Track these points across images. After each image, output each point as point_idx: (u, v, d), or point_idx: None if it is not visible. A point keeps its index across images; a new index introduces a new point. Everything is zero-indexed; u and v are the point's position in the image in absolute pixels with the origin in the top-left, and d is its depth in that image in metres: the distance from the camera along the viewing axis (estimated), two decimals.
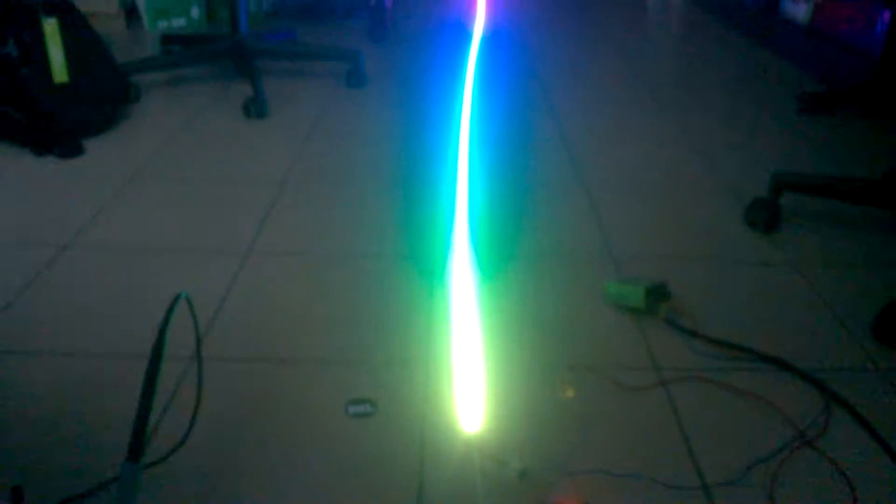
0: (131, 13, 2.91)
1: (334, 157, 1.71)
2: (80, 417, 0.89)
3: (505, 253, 1.31)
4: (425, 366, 1.01)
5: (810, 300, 1.19)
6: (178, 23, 2.92)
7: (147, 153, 1.71)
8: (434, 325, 1.10)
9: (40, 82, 1.74)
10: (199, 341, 0.68)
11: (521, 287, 1.21)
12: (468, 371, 0.99)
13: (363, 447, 0.86)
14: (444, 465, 0.84)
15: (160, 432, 0.87)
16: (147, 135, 1.83)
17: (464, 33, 2.91)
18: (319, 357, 1.02)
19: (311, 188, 1.55)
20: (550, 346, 1.06)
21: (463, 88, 2.21)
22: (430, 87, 2.24)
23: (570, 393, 0.95)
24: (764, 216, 1.40)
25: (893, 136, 1.95)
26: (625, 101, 2.18)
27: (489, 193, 1.53)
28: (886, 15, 2.22)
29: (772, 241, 1.37)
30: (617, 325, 1.11)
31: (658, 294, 1.13)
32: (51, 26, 1.74)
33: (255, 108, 1.94)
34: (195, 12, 2.95)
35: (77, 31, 1.80)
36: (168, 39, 2.48)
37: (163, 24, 2.89)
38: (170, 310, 0.60)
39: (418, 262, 1.27)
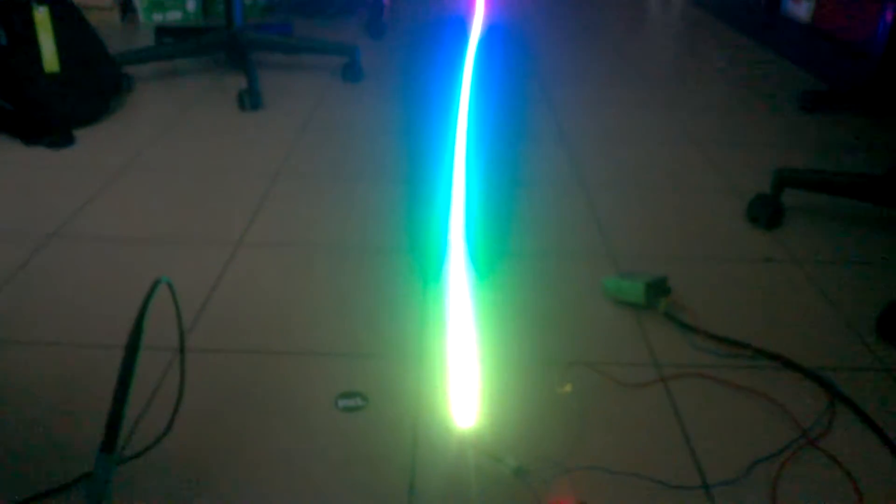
0: (126, 6, 2.88)
1: (329, 149, 1.68)
2: (62, 408, 0.86)
3: (501, 249, 1.28)
4: (419, 359, 0.98)
5: (813, 297, 1.17)
6: (174, 16, 2.89)
7: (139, 144, 1.68)
8: (428, 318, 1.07)
9: (30, 71, 1.71)
10: (181, 329, 0.66)
11: (518, 282, 1.18)
12: (463, 365, 0.97)
13: (353, 442, 0.84)
14: (437, 461, 0.82)
15: (144, 424, 0.84)
16: (139, 126, 1.80)
17: (462, 30, 2.88)
18: (309, 349, 0.99)
19: (304, 180, 1.52)
20: (547, 340, 1.03)
21: (461, 85, 2.18)
22: (428, 82, 2.22)
23: (567, 388, 0.93)
24: (766, 212, 1.37)
25: (894, 134, 1.93)
26: (624, 99, 2.15)
27: (486, 189, 1.51)
28: (888, 15, 2.20)
29: (774, 237, 1.35)
30: (616, 320, 1.09)
31: (658, 289, 1.10)
32: (42, 14, 1.71)
33: (250, 101, 1.91)
34: (191, 5, 2.91)
35: (69, 20, 1.77)
36: (162, 31, 2.45)
37: (158, 17, 2.85)
38: (148, 296, 0.57)
39: (413, 255, 1.24)
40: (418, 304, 1.10)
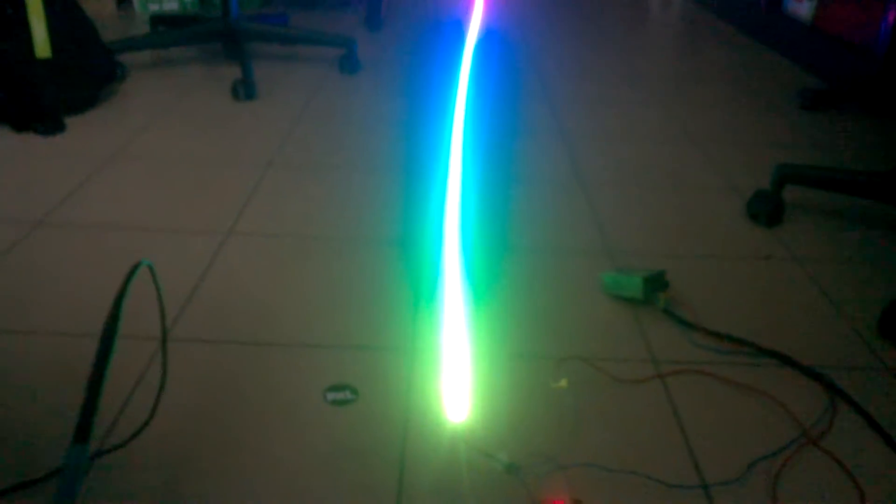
0: None
1: (323, 140, 1.66)
2: (43, 399, 0.84)
3: (497, 243, 1.25)
4: (410, 352, 0.95)
5: (813, 295, 1.14)
6: (171, 6, 2.86)
7: (131, 132, 1.65)
8: (421, 311, 1.04)
9: (22, 57, 1.68)
10: (163, 314, 0.63)
11: (513, 277, 1.15)
12: (455, 358, 0.94)
13: (341, 437, 0.81)
14: (428, 457, 0.79)
15: (127, 416, 0.82)
16: (132, 114, 1.77)
17: (461, 24, 2.86)
18: (298, 341, 0.97)
19: (297, 171, 1.49)
20: (543, 334, 1.01)
21: (458, 79, 2.15)
22: (426, 76, 2.19)
23: (562, 384, 0.90)
24: (766, 209, 1.35)
25: (895, 133, 1.91)
26: (623, 97, 2.13)
27: (482, 183, 1.48)
28: (891, 16, 2.18)
29: (774, 234, 1.33)
30: (613, 315, 1.06)
31: (656, 284, 1.08)
32: None
33: (244, 90, 1.88)
34: None
35: (62, 5, 1.74)
36: (157, 20, 2.42)
37: (154, 7, 2.82)
38: (128, 278, 0.54)
39: (406, 247, 1.22)
40: (411, 296, 1.08)
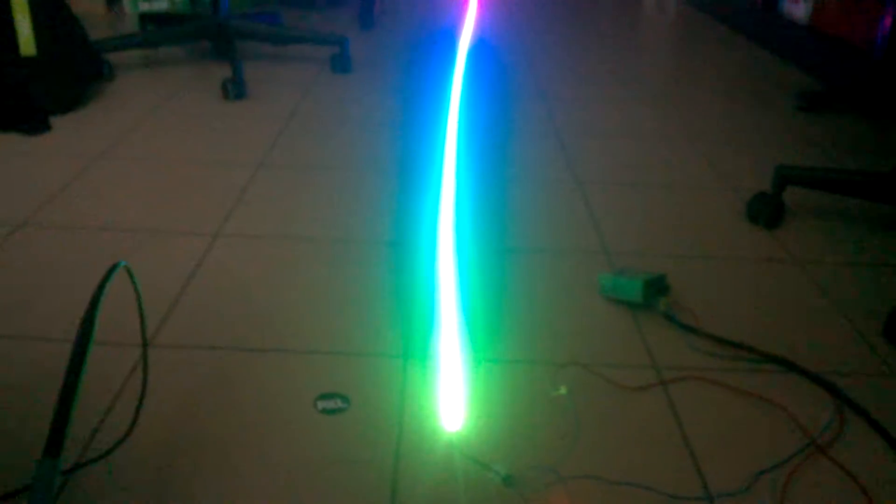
0: None
1: (315, 140, 1.63)
2: (15, 407, 0.80)
3: (493, 245, 1.22)
4: (404, 359, 0.92)
5: (815, 298, 1.12)
6: (161, 5, 2.82)
7: (118, 132, 1.61)
8: (415, 316, 1.01)
9: (6, 55, 1.64)
10: (142, 318, 0.60)
11: (510, 280, 1.12)
12: (450, 366, 0.91)
13: (332, 446, 0.78)
14: (422, 468, 0.76)
15: (107, 427, 0.78)
16: (119, 114, 1.73)
17: (456, 23, 2.83)
18: (287, 347, 0.93)
19: (288, 172, 1.46)
20: (540, 340, 0.98)
21: (453, 78, 2.13)
22: (419, 75, 2.16)
23: (561, 391, 0.87)
24: (766, 211, 1.33)
25: (893, 134, 1.89)
26: (621, 98, 2.10)
27: (477, 184, 1.45)
28: (887, 19, 2.16)
29: (774, 236, 1.30)
30: (612, 319, 1.03)
31: (656, 287, 1.05)
32: None
33: (234, 90, 1.85)
34: None
35: (47, 3, 1.71)
36: (146, 19, 2.39)
37: (144, 6, 2.79)
38: (104, 280, 0.51)
39: (400, 250, 1.19)
40: (404, 300, 1.05)
